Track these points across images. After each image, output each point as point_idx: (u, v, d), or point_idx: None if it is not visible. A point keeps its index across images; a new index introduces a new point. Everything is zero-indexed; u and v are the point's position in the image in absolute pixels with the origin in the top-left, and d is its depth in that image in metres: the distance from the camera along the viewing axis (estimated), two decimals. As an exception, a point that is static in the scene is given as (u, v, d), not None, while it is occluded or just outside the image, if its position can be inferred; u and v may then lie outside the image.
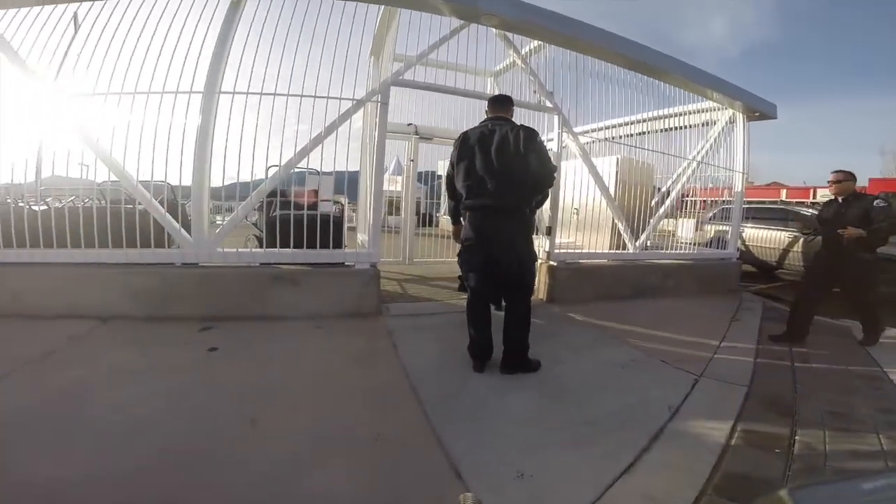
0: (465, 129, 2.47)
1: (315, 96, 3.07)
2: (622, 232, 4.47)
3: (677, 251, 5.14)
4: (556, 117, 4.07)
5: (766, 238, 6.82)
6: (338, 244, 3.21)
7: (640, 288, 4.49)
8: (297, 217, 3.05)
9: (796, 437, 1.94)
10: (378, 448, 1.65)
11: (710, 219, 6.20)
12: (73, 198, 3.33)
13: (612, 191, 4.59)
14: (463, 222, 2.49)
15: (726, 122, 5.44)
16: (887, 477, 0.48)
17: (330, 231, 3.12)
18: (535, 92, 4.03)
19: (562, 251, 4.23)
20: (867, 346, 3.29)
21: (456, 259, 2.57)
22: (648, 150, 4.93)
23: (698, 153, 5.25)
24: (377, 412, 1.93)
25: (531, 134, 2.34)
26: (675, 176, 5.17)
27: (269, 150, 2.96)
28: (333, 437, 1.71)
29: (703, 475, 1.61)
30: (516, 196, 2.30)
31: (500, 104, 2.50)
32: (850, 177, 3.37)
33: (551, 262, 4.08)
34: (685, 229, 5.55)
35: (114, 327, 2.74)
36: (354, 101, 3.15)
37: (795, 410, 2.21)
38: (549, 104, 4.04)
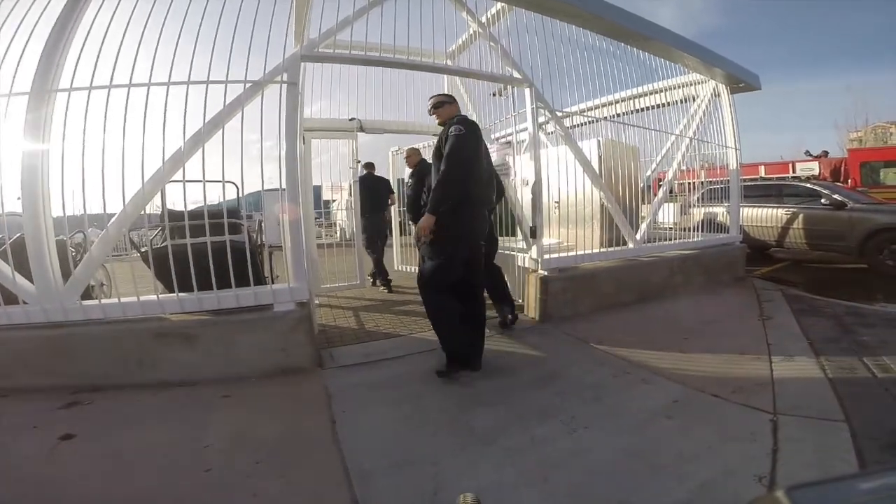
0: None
1: (189, 82, 2.15)
2: (620, 225, 3.72)
3: (680, 240, 4.47)
4: (526, 91, 3.27)
5: (758, 216, 6.43)
6: (246, 279, 2.24)
7: (646, 289, 3.79)
8: (182, 249, 2.13)
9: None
10: None
11: (696, 201, 5.60)
12: None
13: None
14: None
15: (710, 96, 4.97)
16: (885, 476, 0.43)
17: (229, 263, 2.15)
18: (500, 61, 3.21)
19: (553, 256, 3.36)
20: None
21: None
22: (642, 127, 4.28)
23: (685, 129, 4.67)
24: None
25: None
26: (659, 158, 4.62)
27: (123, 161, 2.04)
28: None
29: None
30: None
31: None
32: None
33: (541, 272, 3.24)
34: (667, 214, 4.93)
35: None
36: (248, 84, 2.24)
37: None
38: (516, 74, 3.24)
